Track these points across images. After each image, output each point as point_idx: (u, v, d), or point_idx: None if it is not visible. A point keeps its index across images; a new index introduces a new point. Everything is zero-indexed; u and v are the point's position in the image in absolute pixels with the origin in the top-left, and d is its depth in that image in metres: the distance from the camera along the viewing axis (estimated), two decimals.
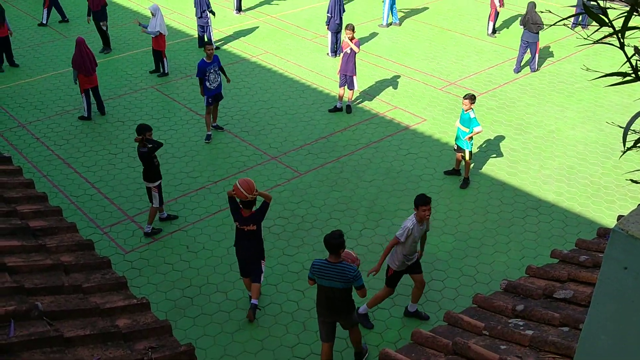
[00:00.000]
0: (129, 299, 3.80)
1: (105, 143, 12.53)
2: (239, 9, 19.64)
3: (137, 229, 10.05)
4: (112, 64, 16.12)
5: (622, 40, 2.29)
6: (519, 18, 18.44)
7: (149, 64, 15.88)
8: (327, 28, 16.26)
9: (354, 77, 13.25)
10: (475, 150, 11.81)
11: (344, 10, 16.26)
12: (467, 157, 10.92)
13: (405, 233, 7.52)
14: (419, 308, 8.41)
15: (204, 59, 12.04)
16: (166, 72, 15.42)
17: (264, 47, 17.14)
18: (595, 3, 2.42)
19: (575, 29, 18.04)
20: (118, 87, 14.89)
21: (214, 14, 16.53)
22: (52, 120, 13.41)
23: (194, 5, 16.60)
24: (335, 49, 16.38)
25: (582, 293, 3.90)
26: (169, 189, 10.98)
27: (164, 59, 15.33)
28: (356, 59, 13.22)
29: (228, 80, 12.87)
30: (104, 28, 16.41)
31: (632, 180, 2.98)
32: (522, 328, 3.63)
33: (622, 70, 2.51)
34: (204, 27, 16.61)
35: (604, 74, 2.50)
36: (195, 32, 17.58)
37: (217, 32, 17.86)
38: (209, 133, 12.56)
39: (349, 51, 12.98)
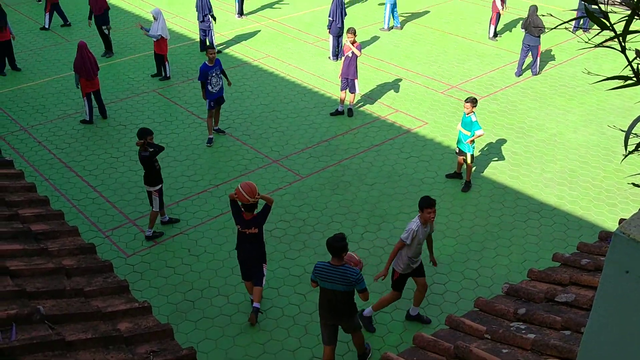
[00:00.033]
0: (131, 302, 3.80)
1: (107, 147, 12.55)
2: (240, 12, 19.68)
3: (139, 233, 10.06)
4: (114, 68, 16.15)
5: (623, 43, 2.29)
6: (521, 21, 18.48)
7: (151, 68, 15.90)
8: (329, 32, 16.28)
9: (356, 81, 13.27)
10: (476, 153, 11.82)
11: (345, 14, 16.28)
12: (468, 161, 10.91)
13: (410, 235, 7.52)
14: (421, 311, 8.40)
15: (206, 62, 12.06)
16: (168, 75, 15.45)
17: (265, 51, 17.16)
18: (596, 7, 2.42)
19: (577, 33, 18.05)
20: (120, 91, 14.92)
21: (214, 19, 16.56)
22: (53, 124, 13.43)
23: (195, 9, 16.64)
24: (337, 52, 16.40)
25: (584, 296, 3.89)
26: (171, 192, 10.98)
27: (166, 63, 15.36)
28: (358, 63, 13.23)
29: (229, 84, 12.89)
30: (107, 32, 16.45)
31: (634, 184, 2.98)
32: (523, 332, 3.62)
33: (624, 73, 2.51)
34: (205, 31, 16.64)
35: (605, 78, 2.50)
36: (197, 36, 17.61)
37: (219, 36, 17.89)
38: (211, 136, 12.58)
39: (350, 55, 13.00)
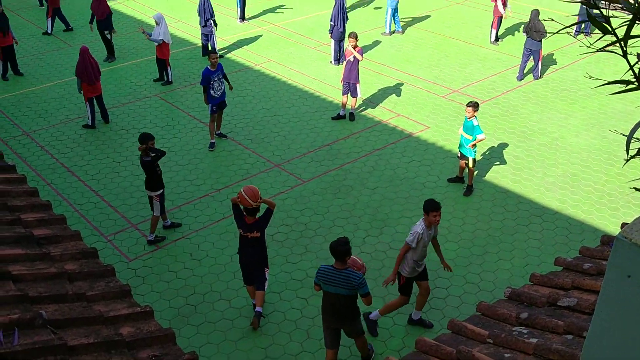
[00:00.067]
0: (133, 307, 3.80)
1: (109, 151, 12.57)
2: (242, 17, 19.72)
3: (141, 237, 10.06)
4: (117, 73, 16.18)
5: (625, 48, 2.30)
6: (522, 26, 18.50)
7: (153, 73, 15.94)
8: (331, 36, 16.30)
9: (357, 85, 13.29)
10: (478, 157, 11.81)
11: (347, 19, 16.31)
12: (470, 165, 10.92)
13: (415, 238, 7.53)
14: (423, 316, 8.39)
15: (209, 67, 12.08)
16: (170, 80, 15.48)
17: (267, 56, 17.19)
18: (598, 11, 2.43)
19: (578, 37, 18.06)
20: (122, 96, 14.95)
21: (216, 25, 16.59)
22: (56, 129, 13.46)
23: (197, 13, 16.67)
24: (339, 57, 16.42)
25: (586, 301, 3.89)
26: (173, 197, 10.99)
27: (168, 68, 15.39)
28: (359, 67, 13.25)
29: (230, 88, 12.91)
30: (109, 37, 16.49)
31: (635, 189, 2.98)
32: (526, 336, 3.62)
33: (625, 78, 2.52)
34: (208, 36, 16.68)
35: (607, 82, 2.50)
36: (199, 41, 17.64)
37: (221, 40, 17.93)
38: (213, 141, 12.59)
39: (352, 59, 13.02)
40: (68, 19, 19.16)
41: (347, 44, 13.18)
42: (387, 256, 9.60)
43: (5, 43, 15.32)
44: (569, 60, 16.80)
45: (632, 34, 2.25)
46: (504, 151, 12.44)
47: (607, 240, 5.26)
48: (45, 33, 18.73)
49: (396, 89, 15.13)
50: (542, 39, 15.05)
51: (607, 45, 2.37)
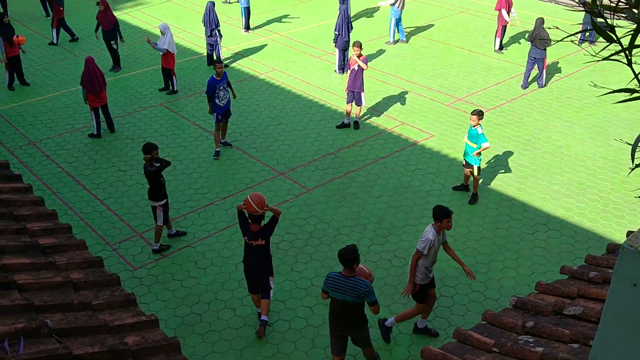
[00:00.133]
0: (138, 316, 3.80)
1: (115, 160, 12.61)
2: (247, 27, 19.80)
3: (146, 246, 10.08)
4: (122, 82, 16.26)
5: (630, 57, 2.30)
6: (526, 34, 18.51)
7: (159, 82, 16.00)
8: (335, 45, 16.35)
9: (362, 94, 13.31)
10: (483, 165, 11.80)
11: (351, 28, 16.36)
12: (475, 173, 10.91)
13: (427, 245, 7.53)
14: (429, 324, 8.36)
15: (214, 76, 12.13)
16: (175, 89, 15.54)
17: (272, 65, 17.25)
18: (603, 20, 2.43)
19: (582, 45, 18.06)
20: (128, 105, 15.01)
21: (220, 35, 16.66)
22: (62, 138, 13.52)
23: (202, 23, 16.75)
24: (343, 66, 16.46)
25: (592, 309, 3.87)
26: (178, 205, 11.01)
27: (173, 77, 15.46)
28: (364, 76, 13.28)
29: (234, 96, 12.95)
30: (115, 47, 16.58)
31: None
32: (532, 345, 3.60)
33: (630, 86, 2.52)
34: (213, 46, 16.76)
35: (612, 90, 2.51)
36: (204, 50, 17.72)
37: (226, 50, 18.00)
38: (218, 149, 12.63)
39: (356, 68, 13.05)
40: (74, 29, 19.29)
41: (352, 53, 13.22)
42: (392, 265, 9.59)
43: (12, 53, 15.41)
44: (573, 69, 16.79)
45: (636, 43, 2.26)
46: (509, 159, 12.43)
47: (613, 248, 5.25)
48: (51, 43, 18.85)
49: (400, 98, 15.15)
50: (547, 48, 15.06)
51: (612, 54, 2.37)
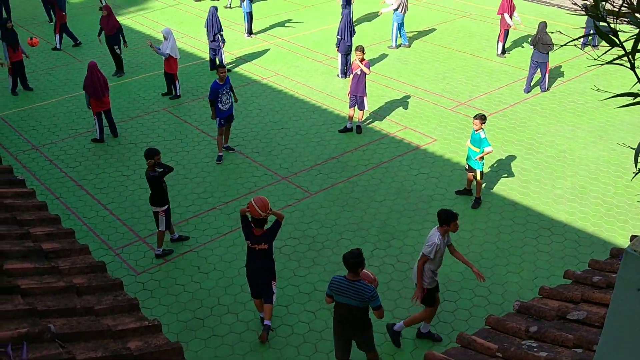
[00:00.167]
0: (141, 320, 3.80)
1: (118, 165, 12.63)
2: (250, 32, 19.84)
3: (149, 250, 10.08)
4: (125, 87, 16.29)
5: (632, 61, 2.30)
6: (529, 38, 18.51)
7: (161, 87, 16.03)
8: (337, 50, 16.37)
9: (364, 98, 13.32)
10: (486, 170, 11.79)
11: (354, 32, 16.38)
12: (478, 177, 10.90)
13: (434, 249, 7.52)
14: (432, 329, 8.34)
15: (217, 81, 12.15)
16: (178, 94, 15.57)
17: (274, 69, 17.27)
18: (605, 24, 2.43)
19: (585, 49, 18.05)
20: (131, 110, 15.04)
21: (224, 40, 16.69)
22: (65, 143, 13.54)
23: (205, 27, 16.79)
24: (345, 70, 16.48)
25: (596, 314, 3.86)
26: (181, 210, 11.02)
27: (176, 82, 15.49)
28: (366, 80, 13.29)
29: (235, 100, 12.95)
30: (119, 52, 16.62)
31: None
32: (535, 350, 3.59)
33: (633, 90, 2.52)
34: (215, 50, 16.79)
35: (615, 94, 2.51)
36: (206, 55, 17.75)
37: (229, 55, 18.03)
38: (220, 154, 12.64)
39: (359, 72, 13.06)
40: (77, 34, 19.35)
41: (354, 57, 13.23)
42: (395, 269, 9.57)
43: (15, 58, 15.47)
44: (576, 73, 16.78)
45: (639, 47, 2.26)
46: (512, 163, 12.42)
47: (617, 252, 5.23)
48: (55, 48, 18.91)
49: (403, 102, 15.16)
50: (549, 52, 15.06)
51: (615, 59, 2.37)
